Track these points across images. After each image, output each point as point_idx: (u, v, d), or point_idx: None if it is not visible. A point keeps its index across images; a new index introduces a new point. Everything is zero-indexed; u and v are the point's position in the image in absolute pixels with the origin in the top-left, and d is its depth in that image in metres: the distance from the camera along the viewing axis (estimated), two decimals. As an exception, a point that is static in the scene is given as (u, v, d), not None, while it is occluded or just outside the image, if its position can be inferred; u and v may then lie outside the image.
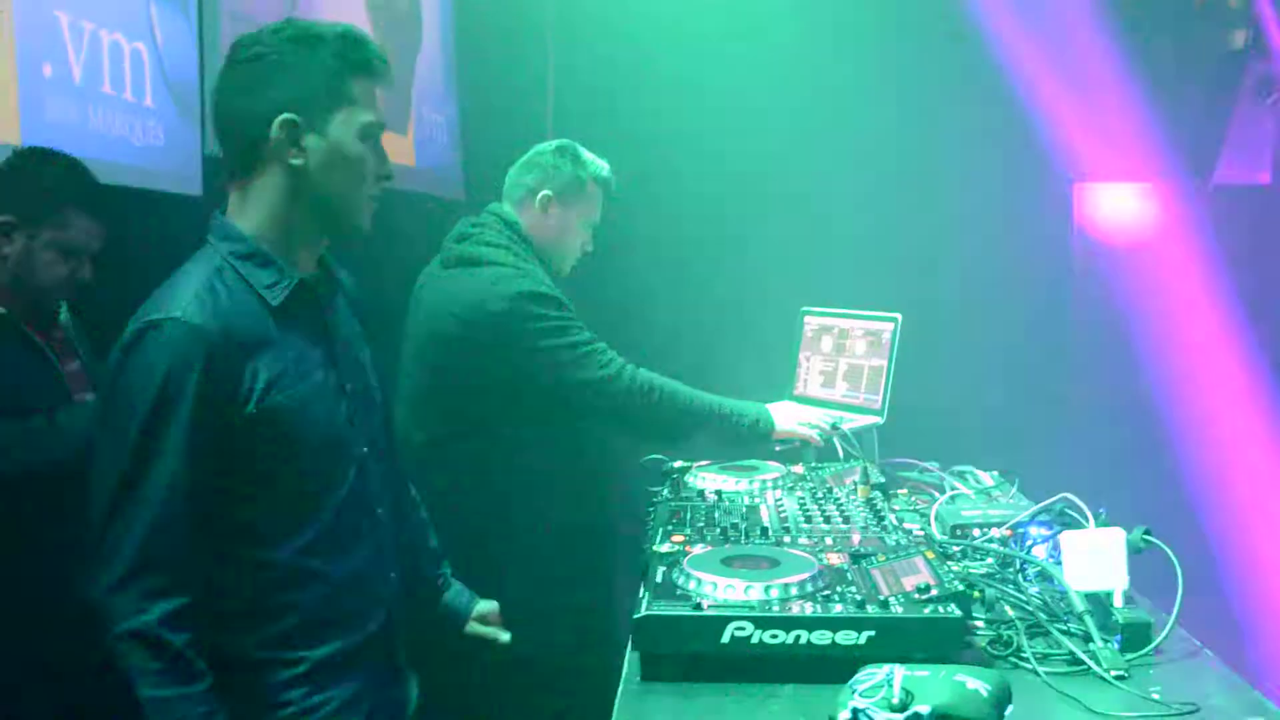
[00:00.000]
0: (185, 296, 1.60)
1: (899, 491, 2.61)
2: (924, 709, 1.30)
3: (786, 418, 2.82)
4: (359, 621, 1.78)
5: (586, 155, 2.83)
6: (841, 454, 2.81)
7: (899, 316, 3.05)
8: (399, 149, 4.54)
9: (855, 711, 1.32)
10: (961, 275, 4.31)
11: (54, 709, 2.37)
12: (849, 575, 1.81)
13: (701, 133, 4.45)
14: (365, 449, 1.81)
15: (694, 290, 4.48)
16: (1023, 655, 1.72)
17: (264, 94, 1.65)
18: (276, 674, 1.69)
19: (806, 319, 3.33)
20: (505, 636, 2.13)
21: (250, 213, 1.70)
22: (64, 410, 2.41)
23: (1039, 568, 2.03)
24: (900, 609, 1.66)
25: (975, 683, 1.39)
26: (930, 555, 1.88)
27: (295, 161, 1.67)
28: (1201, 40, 4.72)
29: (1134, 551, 1.88)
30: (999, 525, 2.20)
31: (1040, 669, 1.68)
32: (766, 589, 1.70)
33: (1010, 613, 1.87)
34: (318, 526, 1.70)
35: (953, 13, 4.46)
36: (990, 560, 2.12)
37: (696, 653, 1.65)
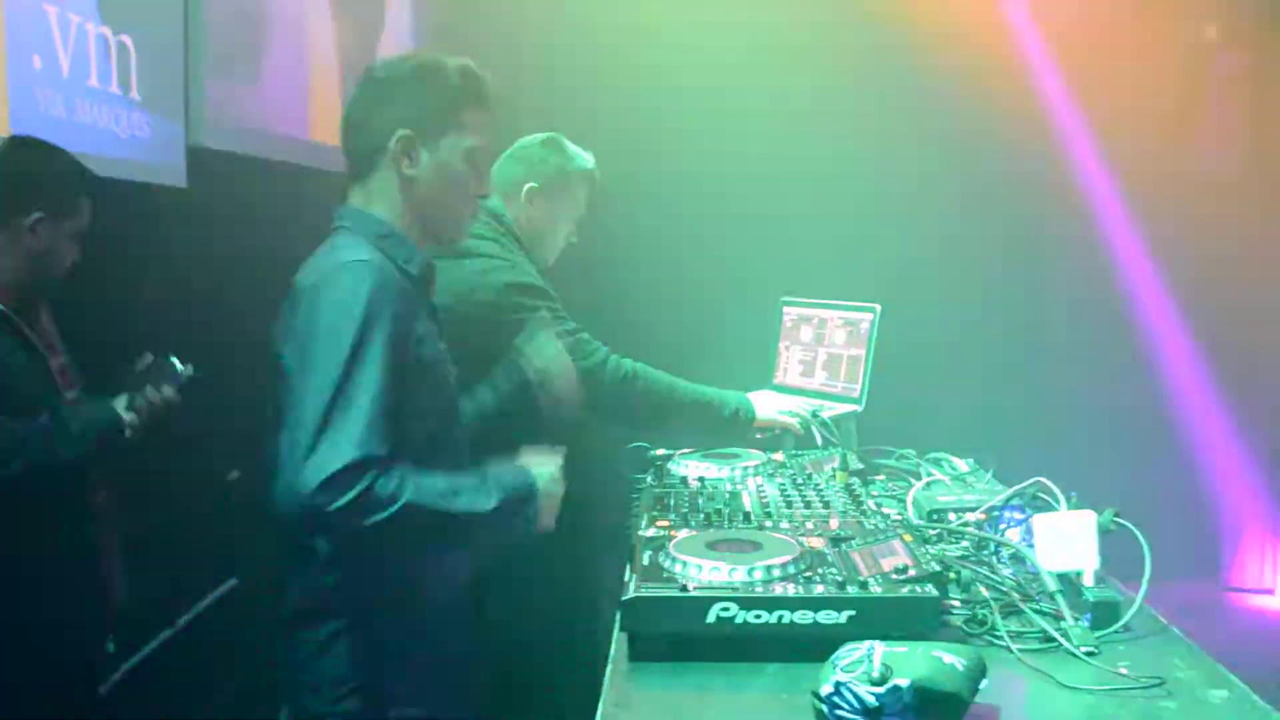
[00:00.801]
0: (361, 252, 1.84)
1: (876, 478, 2.67)
2: (903, 682, 1.35)
3: (767, 406, 2.88)
4: (454, 574, 1.98)
5: (572, 148, 2.86)
6: (820, 441, 2.87)
7: (878, 307, 3.10)
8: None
9: (838, 685, 1.37)
10: (939, 267, 4.36)
11: (49, 708, 2.40)
12: (829, 557, 1.86)
13: (681, 125, 4.47)
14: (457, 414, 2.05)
15: (675, 281, 4.51)
16: (997, 633, 1.78)
17: (388, 111, 1.92)
18: (393, 622, 1.87)
19: (786, 309, 3.37)
20: None
21: (378, 205, 1.95)
22: (66, 409, 2.43)
23: (1012, 550, 2.09)
24: (879, 589, 1.71)
25: (951, 658, 1.44)
26: (908, 538, 1.94)
27: (408, 171, 1.93)
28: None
29: (1104, 533, 1.94)
30: (973, 510, 2.26)
31: (1014, 646, 1.74)
32: (750, 571, 1.75)
33: (984, 593, 1.93)
34: None
35: (931, 8, 4.51)
36: (965, 543, 2.18)
37: (683, 633, 1.70)
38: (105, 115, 2.86)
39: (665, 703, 1.59)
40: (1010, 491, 2.22)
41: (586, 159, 2.87)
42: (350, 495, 1.66)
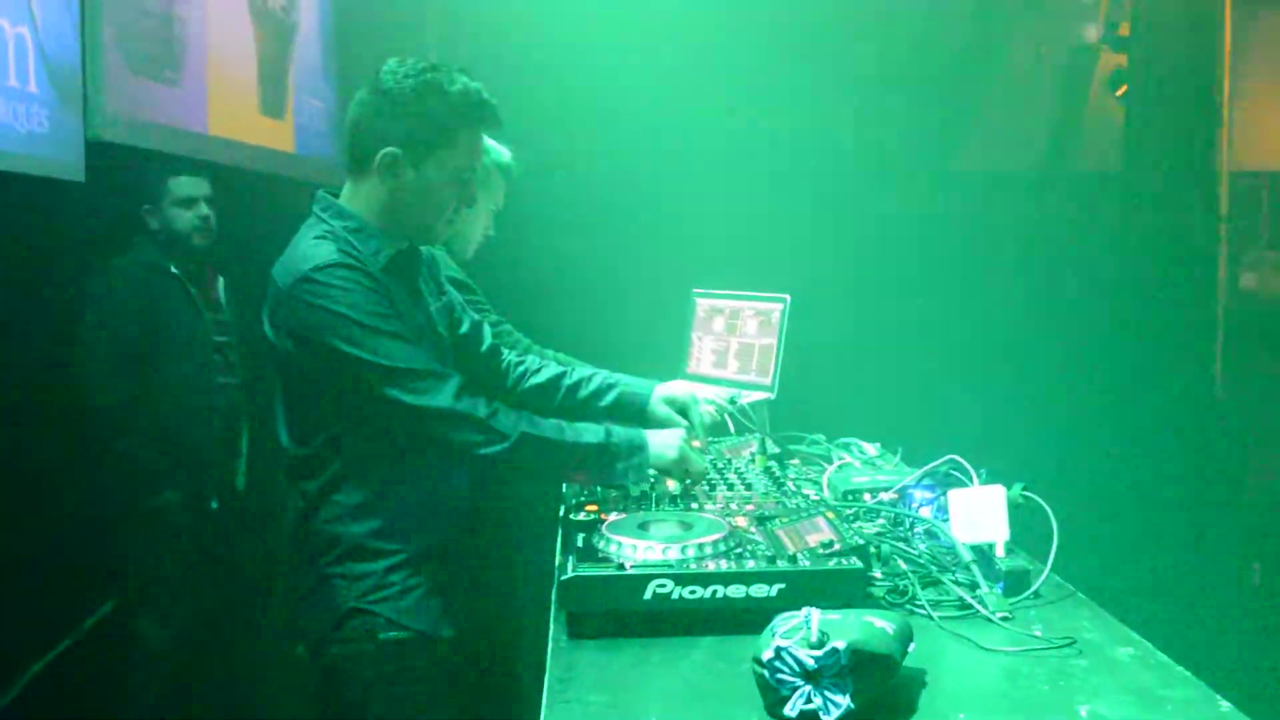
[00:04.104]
0: (326, 252, 1.97)
1: (791, 462, 2.74)
2: (840, 644, 1.41)
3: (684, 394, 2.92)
4: (435, 524, 2.11)
5: (489, 141, 2.86)
6: (733, 429, 2.92)
7: (788, 297, 3.17)
8: (278, 135, 4.50)
9: (778, 650, 1.43)
10: (847, 258, 4.47)
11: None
12: (756, 535, 1.93)
13: (591, 116, 4.49)
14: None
15: (589, 273, 4.53)
16: (918, 602, 1.86)
17: (382, 125, 2.02)
18: (381, 561, 2.04)
19: (698, 300, 3.43)
20: None
21: (360, 201, 2.07)
22: None
23: (927, 525, 2.18)
24: (808, 563, 1.78)
25: (882, 623, 1.52)
26: (831, 515, 2.02)
27: (391, 184, 2.04)
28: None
29: (1013, 506, 2.04)
30: (887, 490, 2.34)
31: (934, 614, 1.82)
32: (683, 549, 1.81)
33: (903, 565, 2.02)
34: None
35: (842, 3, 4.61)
36: (881, 520, 2.26)
37: (620, 610, 1.74)
38: (3, 109, 2.78)
39: (607, 676, 1.63)
40: (925, 468, 2.31)
41: (502, 151, 2.88)
42: (482, 408, 1.96)
